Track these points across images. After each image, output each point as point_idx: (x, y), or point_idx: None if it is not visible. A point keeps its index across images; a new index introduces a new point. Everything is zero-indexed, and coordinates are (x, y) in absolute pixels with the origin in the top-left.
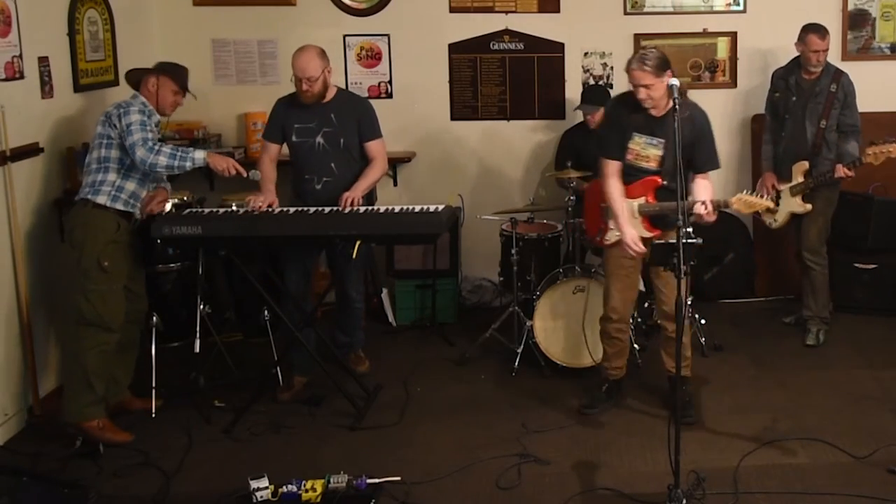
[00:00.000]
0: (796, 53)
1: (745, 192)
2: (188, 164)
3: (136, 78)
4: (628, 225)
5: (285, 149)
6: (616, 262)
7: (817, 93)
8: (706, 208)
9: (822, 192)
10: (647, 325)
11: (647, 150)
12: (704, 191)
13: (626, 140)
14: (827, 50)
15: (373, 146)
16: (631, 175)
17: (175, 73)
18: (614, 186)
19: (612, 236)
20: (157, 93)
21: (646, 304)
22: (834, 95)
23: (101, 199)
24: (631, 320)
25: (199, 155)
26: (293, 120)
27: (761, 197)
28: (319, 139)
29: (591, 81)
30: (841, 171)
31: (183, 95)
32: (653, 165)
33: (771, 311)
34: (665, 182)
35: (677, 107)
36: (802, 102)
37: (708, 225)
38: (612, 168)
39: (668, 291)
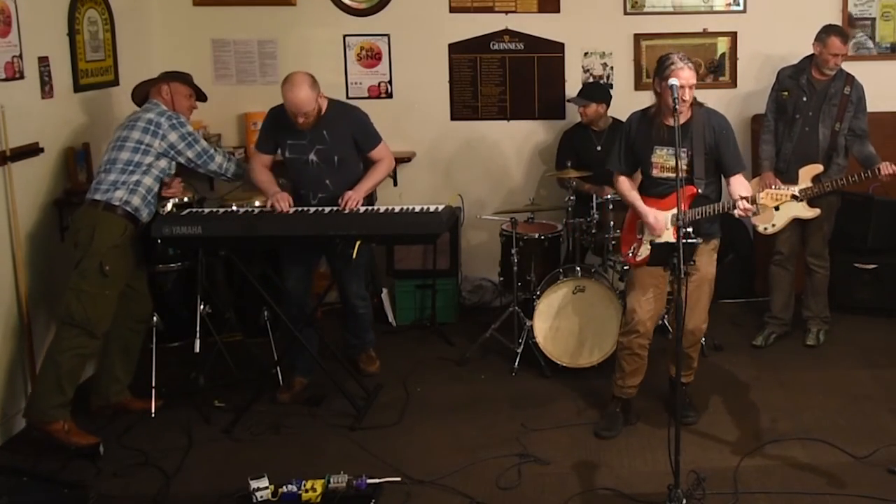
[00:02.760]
0: (796, 53)
1: (773, 186)
2: (244, 174)
3: (143, 91)
4: (648, 209)
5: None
6: (646, 273)
7: (832, 95)
8: (744, 208)
9: (827, 197)
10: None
11: (670, 161)
12: (743, 187)
13: (648, 155)
14: (846, 54)
15: (375, 153)
16: (663, 187)
17: (182, 78)
18: (624, 182)
19: (643, 252)
20: (172, 100)
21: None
22: (848, 98)
23: (119, 195)
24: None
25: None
26: (285, 135)
27: (772, 224)
28: (312, 157)
29: (591, 81)
30: (888, 168)
31: (195, 98)
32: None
33: (763, 322)
34: (700, 190)
35: (677, 107)
36: (815, 103)
37: (748, 217)
38: (618, 175)
39: (691, 310)
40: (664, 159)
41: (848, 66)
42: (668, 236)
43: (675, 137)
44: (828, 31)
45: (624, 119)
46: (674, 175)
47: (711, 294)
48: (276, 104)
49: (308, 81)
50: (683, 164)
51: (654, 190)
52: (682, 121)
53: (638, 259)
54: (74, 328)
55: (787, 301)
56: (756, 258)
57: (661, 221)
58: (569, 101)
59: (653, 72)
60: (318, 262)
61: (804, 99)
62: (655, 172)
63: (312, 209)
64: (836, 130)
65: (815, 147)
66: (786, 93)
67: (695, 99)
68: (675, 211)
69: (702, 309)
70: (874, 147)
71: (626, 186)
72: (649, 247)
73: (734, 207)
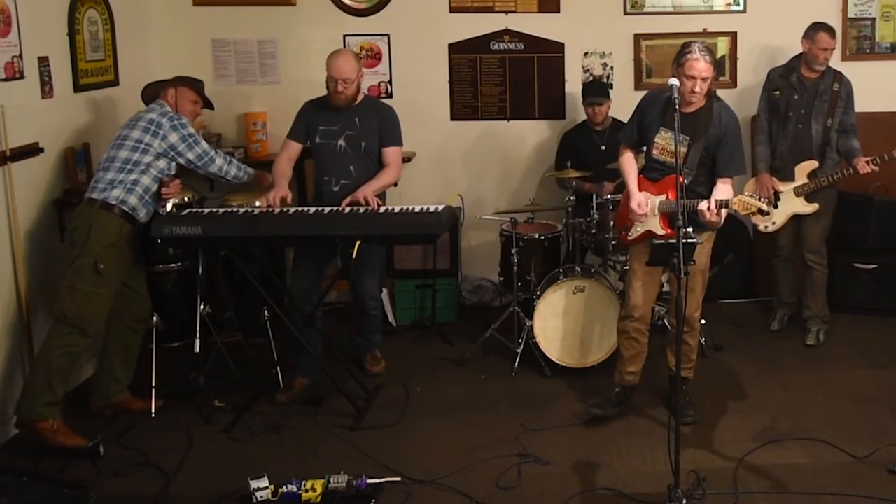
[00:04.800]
0: (797, 53)
1: (745, 193)
2: (244, 177)
3: (154, 92)
4: (637, 190)
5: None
6: (638, 257)
7: (822, 91)
8: (708, 207)
9: (824, 192)
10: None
11: (672, 145)
12: (722, 194)
13: (653, 134)
14: (834, 49)
15: (389, 152)
16: (658, 171)
17: (192, 83)
18: (626, 157)
19: (633, 232)
20: (176, 103)
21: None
22: (837, 94)
23: (116, 193)
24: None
25: (251, 171)
26: (319, 121)
27: (759, 199)
28: (341, 142)
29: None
30: (865, 166)
31: (201, 105)
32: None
33: (771, 311)
34: (687, 181)
35: (677, 106)
36: (807, 101)
37: (715, 227)
38: (625, 149)
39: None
40: (666, 142)
41: (849, 66)
42: (654, 223)
43: (685, 123)
44: (815, 27)
45: (625, 119)
46: (669, 160)
47: (705, 283)
48: (279, 102)
49: (353, 54)
50: (682, 150)
51: (650, 173)
52: (694, 109)
53: (629, 239)
54: (66, 326)
55: (792, 288)
56: (756, 258)
57: (645, 206)
58: (585, 103)
59: (655, 71)
60: (329, 262)
61: (796, 97)
62: (655, 153)
63: (312, 209)
64: (829, 126)
65: (810, 143)
66: (778, 92)
67: (714, 91)
68: (662, 197)
69: (695, 297)
70: (876, 146)
71: (628, 162)
72: (639, 229)
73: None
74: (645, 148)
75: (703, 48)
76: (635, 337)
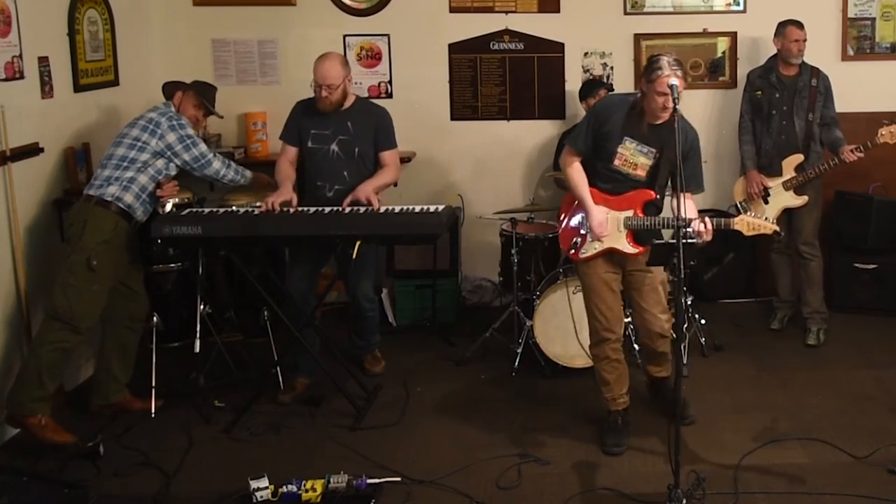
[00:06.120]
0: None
1: (749, 213)
2: (241, 180)
3: (170, 91)
4: (595, 208)
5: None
6: (599, 279)
7: (801, 87)
8: (705, 227)
9: (812, 184)
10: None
11: (636, 157)
12: (690, 211)
13: (615, 144)
14: (806, 40)
15: (386, 155)
16: (618, 183)
17: (200, 90)
18: (577, 168)
19: (589, 249)
20: (180, 106)
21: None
22: (816, 90)
23: (112, 190)
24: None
25: (248, 174)
26: (310, 125)
27: (764, 218)
28: (334, 147)
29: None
30: (850, 154)
31: (204, 113)
32: (640, 174)
33: (771, 311)
34: (658, 196)
35: (677, 107)
36: (787, 98)
37: (703, 245)
38: (574, 156)
39: (652, 310)
40: (630, 153)
41: (849, 66)
42: (621, 241)
43: (652, 135)
44: (784, 24)
45: None
46: (631, 173)
47: (667, 293)
48: (279, 102)
49: (340, 59)
50: (647, 163)
51: (605, 184)
52: (660, 121)
53: (582, 255)
54: (58, 322)
55: (791, 284)
56: (756, 258)
57: (606, 225)
58: (592, 95)
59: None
60: (324, 262)
61: (777, 95)
62: (617, 164)
63: (312, 209)
64: (811, 120)
65: (794, 138)
66: (759, 92)
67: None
68: (628, 213)
69: (663, 309)
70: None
71: (580, 175)
72: (597, 247)
73: (686, 226)
74: (597, 158)
75: (672, 63)
76: (616, 358)
